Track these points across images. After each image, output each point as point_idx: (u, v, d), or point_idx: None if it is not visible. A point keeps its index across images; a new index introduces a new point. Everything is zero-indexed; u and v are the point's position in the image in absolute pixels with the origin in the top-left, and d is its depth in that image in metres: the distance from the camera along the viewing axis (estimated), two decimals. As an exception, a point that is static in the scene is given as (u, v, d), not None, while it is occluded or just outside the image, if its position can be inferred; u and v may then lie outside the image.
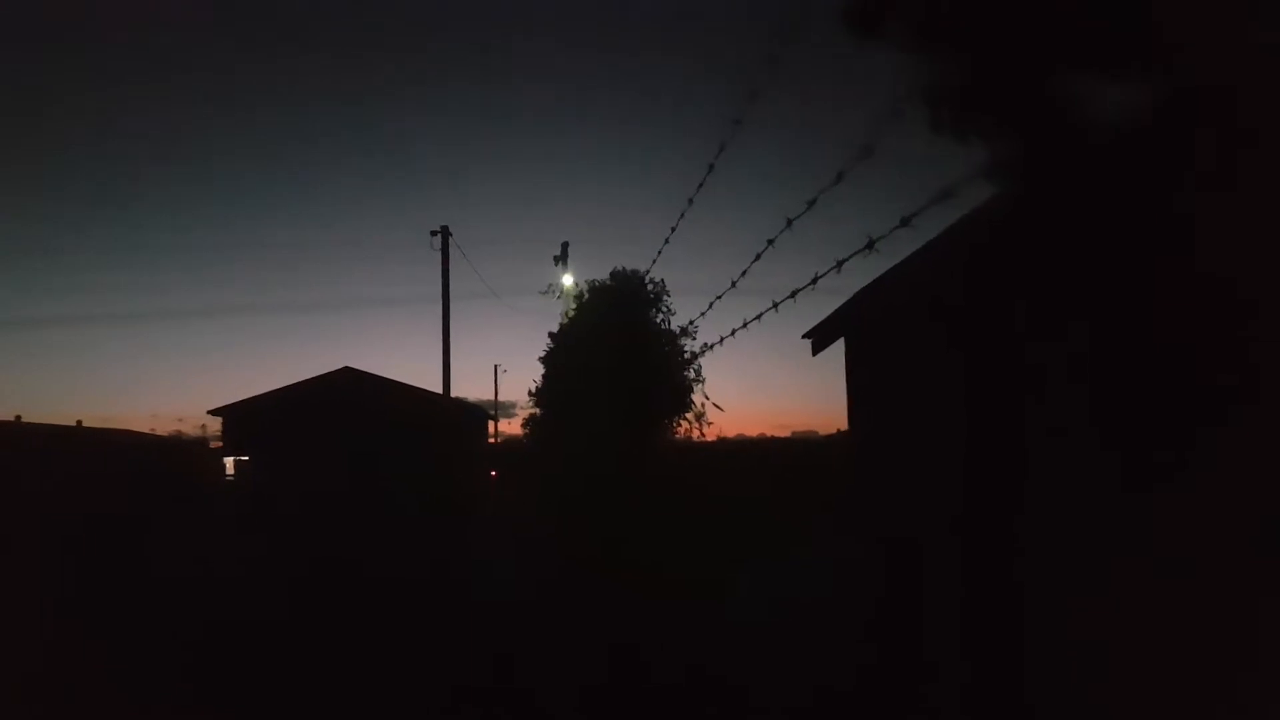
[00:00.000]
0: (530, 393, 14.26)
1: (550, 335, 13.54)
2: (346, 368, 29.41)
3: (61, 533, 16.19)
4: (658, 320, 10.87)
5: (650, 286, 10.91)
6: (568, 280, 28.91)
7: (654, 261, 9.94)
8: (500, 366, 50.65)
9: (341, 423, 27.30)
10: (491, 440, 39.01)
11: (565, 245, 29.13)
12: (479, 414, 31.33)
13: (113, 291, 74.51)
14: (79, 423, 40.83)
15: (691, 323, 10.00)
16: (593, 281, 11.96)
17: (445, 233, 24.93)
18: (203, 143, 75.47)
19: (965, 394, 5.46)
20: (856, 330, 7.68)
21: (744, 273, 6.34)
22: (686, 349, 10.36)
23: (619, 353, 10.34)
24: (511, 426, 53.51)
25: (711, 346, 8.22)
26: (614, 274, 11.43)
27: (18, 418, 38.30)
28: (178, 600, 10.22)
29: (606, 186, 78.33)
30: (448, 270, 25.04)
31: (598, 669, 6.53)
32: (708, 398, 10.53)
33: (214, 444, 43.27)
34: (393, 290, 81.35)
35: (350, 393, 28.50)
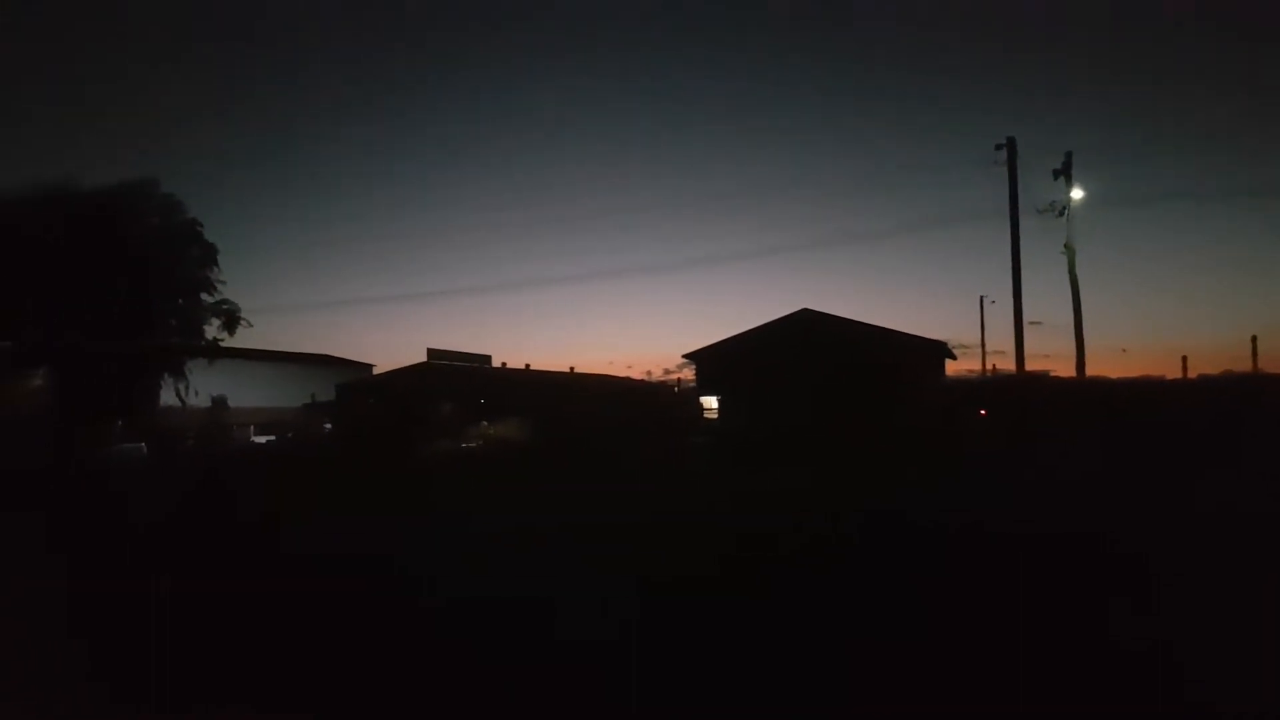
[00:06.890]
0: None
1: None
2: (805, 309, 29.73)
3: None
4: None
5: None
6: (1076, 194, 25.04)
7: None
8: (987, 298, 42.91)
9: (804, 360, 27.74)
10: (967, 376, 35.77)
11: (1069, 155, 24.93)
12: (939, 350, 29.63)
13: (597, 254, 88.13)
14: (571, 369, 47.39)
15: None
16: None
17: (1011, 145, 22.28)
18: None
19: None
20: None
21: None
22: None
23: None
24: (1004, 362, 46.77)
25: None
26: None
27: (528, 366, 45.99)
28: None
29: (1106, 89, 67.78)
30: (1015, 183, 22.46)
31: None
32: None
33: (675, 388, 47.60)
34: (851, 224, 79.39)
35: (811, 332, 28.82)
